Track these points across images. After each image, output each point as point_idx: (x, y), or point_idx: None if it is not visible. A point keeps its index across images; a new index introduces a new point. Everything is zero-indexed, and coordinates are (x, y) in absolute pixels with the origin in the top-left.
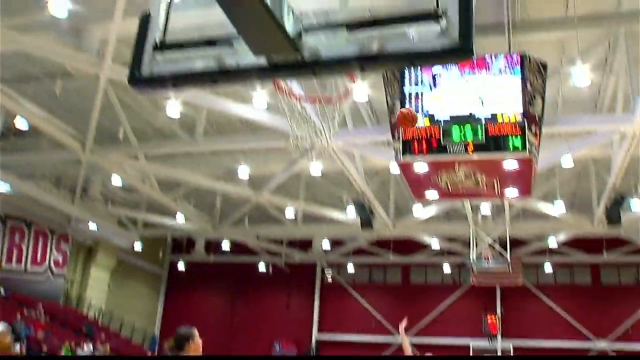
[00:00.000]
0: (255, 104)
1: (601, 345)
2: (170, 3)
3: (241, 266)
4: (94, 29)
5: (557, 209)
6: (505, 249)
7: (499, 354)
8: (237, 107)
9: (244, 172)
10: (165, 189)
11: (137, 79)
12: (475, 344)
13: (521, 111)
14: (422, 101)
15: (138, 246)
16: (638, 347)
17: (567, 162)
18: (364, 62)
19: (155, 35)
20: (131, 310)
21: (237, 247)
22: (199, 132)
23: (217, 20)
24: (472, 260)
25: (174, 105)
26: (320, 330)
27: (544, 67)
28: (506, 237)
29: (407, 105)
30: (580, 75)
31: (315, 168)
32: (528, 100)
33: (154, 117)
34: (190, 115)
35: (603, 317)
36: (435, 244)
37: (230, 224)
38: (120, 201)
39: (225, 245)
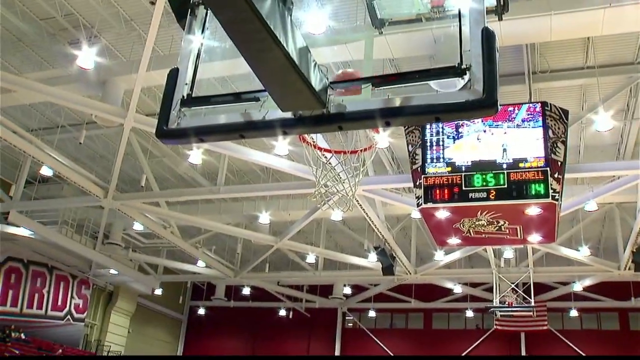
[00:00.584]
0: (277, 151)
1: None
2: (197, 60)
3: (261, 311)
4: (119, 80)
5: (582, 253)
6: (529, 294)
7: None
8: (258, 155)
9: (265, 218)
10: (186, 235)
11: (165, 133)
12: None
13: (544, 157)
14: (443, 149)
15: (158, 291)
16: None
17: (591, 207)
18: (389, 116)
19: (182, 90)
20: (150, 355)
21: (257, 292)
22: (220, 179)
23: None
24: (495, 305)
25: (196, 153)
26: None
27: (566, 114)
28: (530, 282)
29: (428, 153)
30: (603, 121)
31: (337, 214)
32: (550, 147)
33: (176, 164)
34: (212, 163)
35: None
36: (457, 289)
37: (251, 269)
38: (141, 247)
39: (246, 291)
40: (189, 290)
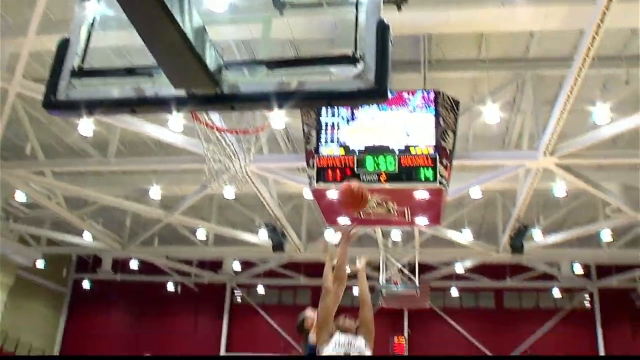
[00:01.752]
0: (171, 126)
1: None
2: (91, 29)
3: (149, 285)
4: (5, 43)
5: (464, 236)
6: (414, 274)
7: None
8: (151, 129)
9: (155, 192)
10: (73, 207)
11: (52, 104)
12: None
13: (433, 144)
14: (338, 132)
15: (40, 264)
16: None
17: (475, 193)
18: (282, 99)
19: (73, 61)
20: (29, 331)
21: (145, 266)
22: (112, 151)
23: (137, 45)
24: (381, 284)
25: (86, 124)
26: (228, 350)
27: (457, 104)
28: (415, 263)
29: (322, 135)
30: (490, 113)
31: (229, 191)
32: (440, 134)
33: (64, 133)
34: (103, 134)
35: (504, 339)
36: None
37: (140, 243)
38: (22, 217)
39: (134, 265)
40: (73, 263)
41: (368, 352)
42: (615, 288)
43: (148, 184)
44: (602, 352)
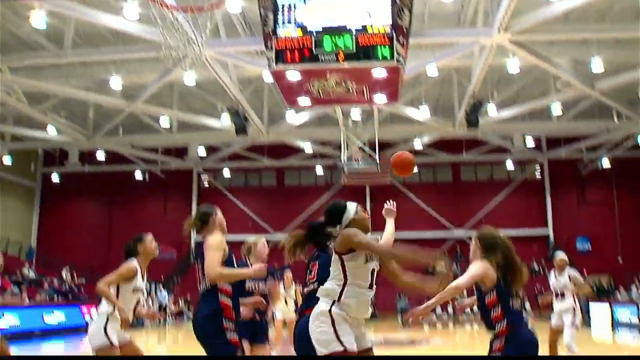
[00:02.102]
0: (126, 14)
1: (458, 233)
2: None
3: (117, 175)
4: None
5: (422, 113)
6: (375, 151)
7: None
8: (107, 18)
9: (115, 82)
10: (33, 102)
11: None
12: None
13: (390, 23)
14: (295, 12)
15: (7, 160)
16: None
17: (431, 70)
18: None
19: None
20: (5, 225)
21: (112, 157)
22: (67, 43)
23: None
24: (343, 162)
25: (38, 15)
26: (198, 233)
27: None
28: (375, 140)
29: (279, 16)
30: None
31: (189, 77)
32: (397, 12)
33: (16, 26)
34: (57, 26)
35: (461, 210)
36: (308, 147)
37: (104, 134)
38: None
39: (100, 156)
40: (40, 158)
41: None
42: (564, 159)
43: (107, 75)
44: (550, 219)
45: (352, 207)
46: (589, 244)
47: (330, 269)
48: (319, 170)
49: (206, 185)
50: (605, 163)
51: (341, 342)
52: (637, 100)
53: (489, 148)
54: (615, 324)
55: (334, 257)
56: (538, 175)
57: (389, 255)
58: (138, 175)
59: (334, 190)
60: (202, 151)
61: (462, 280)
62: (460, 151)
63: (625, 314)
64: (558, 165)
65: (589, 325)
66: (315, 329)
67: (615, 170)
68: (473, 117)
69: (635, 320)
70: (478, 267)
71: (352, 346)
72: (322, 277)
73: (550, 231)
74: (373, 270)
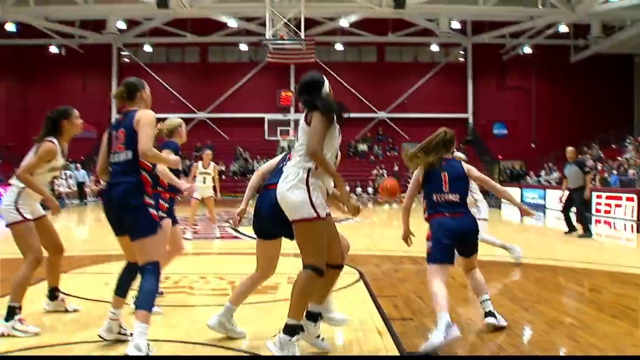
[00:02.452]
0: None
1: (381, 115)
2: None
3: (31, 50)
4: None
5: None
6: (300, 29)
7: (292, 125)
8: None
9: None
10: None
11: None
12: (270, 117)
13: None
14: None
15: None
16: (409, 115)
17: None
18: None
19: None
20: None
21: (24, 30)
22: None
23: None
24: (268, 39)
25: None
26: (119, 110)
27: None
28: (301, 17)
29: None
30: None
31: None
32: None
33: None
34: None
35: (384, 92)
36: (232, 23)
37: (14, 3)
38: None
39: (10, 27)
40: None
41: None
42: (487, 44)
43: None
44: (470, 101)
45: (327, 82)
46: (506, 129)
47: (304, 138)
48: (243, 46)
49: (127, 60)
50: (527, 50)
51: (315, 208)
52: None
53: (414, 30)
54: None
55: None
56: (461, 59)
57: (327, 169)
58: (54, 50)
59: (258, 68)
60: (121, 24)
61: (406, 197)
62: (386, 32)
63: (533, 196)
64: (481, 50)
65: (500, 207)
66: (291, 195)
67: (535, 57)
68: None
69: (541, 202)
70: (413, 179)
71: (323, 213)
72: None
73: (470, 115)
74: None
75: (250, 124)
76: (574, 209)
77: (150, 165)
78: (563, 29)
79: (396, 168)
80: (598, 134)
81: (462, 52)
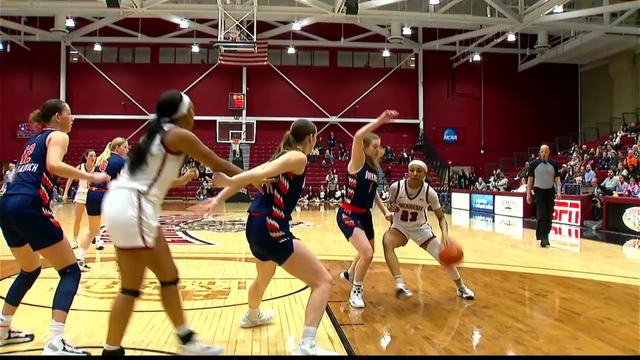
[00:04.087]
0: None
1: (333, 119)
2: None
3: None
4: None
5: None
6: (252, 32)
7: (244, 129)
8: None
9: None
10: None
11: None
12: (222, 119)
13: None
14: None
15: None
16: (361, 120)
17: None
18: None
19: None
20: None
21: None
22: None
23: None
24: (219, 41)
25: None
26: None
27: None
28: (254, 20)
29: None
30: None
31: None
32: None
33: None
34: None
35: (336, 97)
36: (184, 24)
37: None
38: None
39: None
40: None
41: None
42: (438, 50)
43: None
44: (421, 106)
45: (187, 100)
46: (456, 135)
47: (149, 159)
48: (195, 48)
49: (75, 60)
50: (476, 57)
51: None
52: None
53: (366, 35)
54: (473, 211)
55: (159, 151)
56: (412, 65)
57: (222, 166)
58: None
59: (210, 70)
60: (70, 22)
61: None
62: (338, 37)
63: (482, 202)
64: (432, 57)
65: (450, 212)
66: (128, 215)
67: (484, 65)
68: (352, 2)
69: (489, 207)
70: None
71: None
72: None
73: (420, 121)
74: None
75: (201, 126)
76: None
77: (51, 184)
78: (511, 38)
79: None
80: (545, 141)
81: (413, 58)
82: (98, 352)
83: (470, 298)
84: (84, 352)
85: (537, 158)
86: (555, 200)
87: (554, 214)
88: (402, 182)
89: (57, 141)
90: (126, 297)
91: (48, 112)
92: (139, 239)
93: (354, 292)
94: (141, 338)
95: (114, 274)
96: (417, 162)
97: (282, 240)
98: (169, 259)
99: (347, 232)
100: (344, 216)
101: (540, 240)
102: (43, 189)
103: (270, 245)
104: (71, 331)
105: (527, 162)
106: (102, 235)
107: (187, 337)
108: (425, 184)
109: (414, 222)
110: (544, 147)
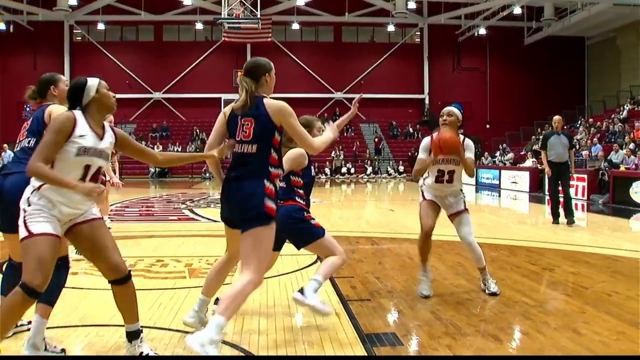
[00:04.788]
0: None
1: (338, 95)
2: None
3: None
4: None
5: None
6: (256, 8)
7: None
8: None
9: None
10: None
11: None
12: (227, 97)
13: None
14: None
15: None
16: (366, 96)
17: None
18: None
19: None
20: None
21: None
22: None
23: None
24: (223, 17)
25: None
26: None
27: None
28: None
29: None
30: None
31: None
32: None
33: None
34: None
35: (342, 71)
36: (187, 0)
37: None
38: None
39: None
40: None
41: None
42: (443, 25)
43: None
44: (426, 81)
45: (93, 83)
46: (462, 110)
47: None
48: (199, 25)
49: (79, 39)
50: (482, 31)
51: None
52: None
53: (371, 10)
54: (479, 186)
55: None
56: (417, 40)
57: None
58: (1, 27)
59: (214, 47)
60: (73, 1)
61: None
62: (342, 12)
63: (488, 176)
64: (437, 31)
65: None
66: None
67: (490, 39)
68: None
69: (496, 182)
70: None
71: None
72: None
73: (426, 96)
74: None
75: (206, 104)
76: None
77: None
78: (517, 11)
79: (354, 148)
80: (551, 115)
81: (418, 33)
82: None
83: (494, 294)
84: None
85: (550, 130)
86: (570, 174)
87: (572, 189)
88: (434, 134)
89: (53, 125)
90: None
91: (43, 86)
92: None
93: (315, 289)
94: (149, 316)
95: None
96: (449, 107)
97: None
98: (107, 257)
99: (317, 234)
100: (306, 214)
101: (567, 220)
102: None
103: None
104: (79, 310)
105: (533, 137)
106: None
107: (134, 334)
108: (461, 135)
109: (451, 184)
110: (556, 117)
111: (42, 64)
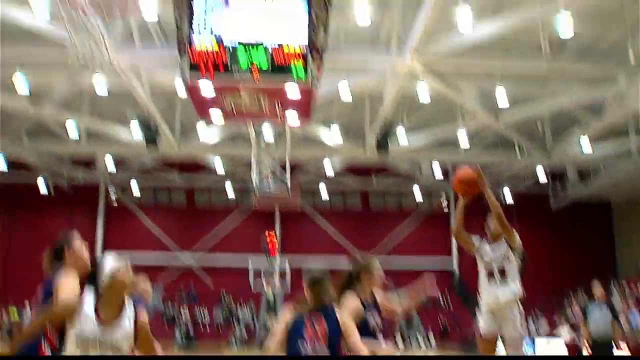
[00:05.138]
0: (36, 11)
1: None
2: None
3: (19, 187)
4: None
5: (333, 136)
6: (285, 175)
7: (277, 271)
8: (15, 12)
9: (21, 83)
10: None
11: None
12: (255, 261)
13: (306, 43)
14: (211, 21)
15: None
16: (394, 261)
17: (345, 95)
18: None
19: None
20: None
21: (14, 166)
22: None
23: None
24: (254, 185)
25: None
26: (104, 250)
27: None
28: (287, 163)
29: (195, 22)
30: (361, 12)
31: (100, 84)
32: (313, 32)
33: None
34: None
35: (369, 237)
36: (219, 167)
37: (6, 139)
38: None
39: (0, 164)
40: None
41: None
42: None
43: (13, 75)
44: (455, 251)
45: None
46: None
47: None
48: (230, 191)
49: (114, 200)
50: (508, 199)
51: None
52: (537, 134)
53: (397, 177)
54: None
55: None
56: (445, 207)
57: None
58: (43, 189)
59: (245, 212)
60: (110, 165)
61: None
62: (369, 178)
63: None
64: None
65: None
66: None
67: (517, 206)
68: (383, 141)
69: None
70: None
71: None
72: None
73: (454, 262)
74: None
75: (235, 272)
76: None
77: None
78: (542, 178)
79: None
80: (582, 282)
81: (445, 200)
82: None
83: None
84: None
85: (590, 301)
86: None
87: None
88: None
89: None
90: None
91: (59, 251)
92: None
93: None
94: None
95: None
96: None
97: None
98: None
99: None
100: None
101: None
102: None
103: None
104: None
105: (565, 307)
106: None
107: None
108: None
109: (504, 280)
110: (596, 284)
111: (77, 225)
